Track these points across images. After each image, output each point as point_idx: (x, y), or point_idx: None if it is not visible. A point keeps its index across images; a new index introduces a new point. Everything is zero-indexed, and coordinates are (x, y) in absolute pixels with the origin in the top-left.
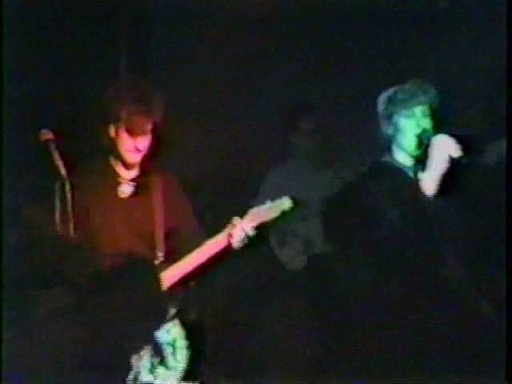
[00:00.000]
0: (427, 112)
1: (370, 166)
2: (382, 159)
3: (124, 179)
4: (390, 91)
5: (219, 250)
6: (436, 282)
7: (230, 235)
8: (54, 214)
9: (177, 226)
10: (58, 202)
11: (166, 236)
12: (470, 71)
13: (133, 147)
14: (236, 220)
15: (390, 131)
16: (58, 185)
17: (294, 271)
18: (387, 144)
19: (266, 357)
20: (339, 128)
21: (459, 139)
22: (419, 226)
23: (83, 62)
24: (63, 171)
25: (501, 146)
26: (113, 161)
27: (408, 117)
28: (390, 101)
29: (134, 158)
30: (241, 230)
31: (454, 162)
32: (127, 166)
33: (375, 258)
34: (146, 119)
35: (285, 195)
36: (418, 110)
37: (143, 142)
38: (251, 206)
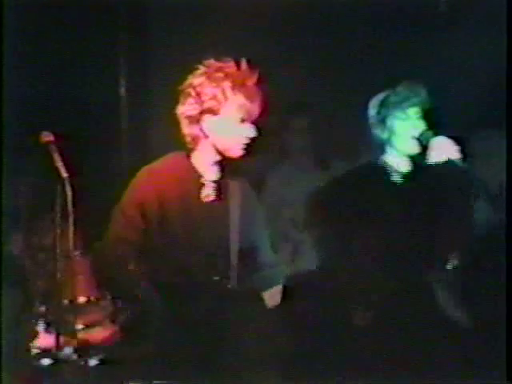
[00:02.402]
0: (421, 113)
1: (362, 167)
2: (375, 161)
3: (207, 181)
4: (381, 95)
5: None
6: (433, 282)
7: None
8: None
9: (253, 244)
10: (58, 207)
11: (241, 254)
12: (470, 72)
13: (248, 111)
14: None
15: (384, 135)
16: (59, 187)
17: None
18: (381, 148)
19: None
20: (332, 127)
21: (458, 141)
22: (412, 230)
23: (83, 62)
24: (64, 173)
25: (501, 147)
26: (195, 159)
27: (403, 119)
28: (383, 104)
29: (251, 129)
30: None
31: (452, 164)
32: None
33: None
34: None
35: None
36: (412, 112)
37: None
38: None
